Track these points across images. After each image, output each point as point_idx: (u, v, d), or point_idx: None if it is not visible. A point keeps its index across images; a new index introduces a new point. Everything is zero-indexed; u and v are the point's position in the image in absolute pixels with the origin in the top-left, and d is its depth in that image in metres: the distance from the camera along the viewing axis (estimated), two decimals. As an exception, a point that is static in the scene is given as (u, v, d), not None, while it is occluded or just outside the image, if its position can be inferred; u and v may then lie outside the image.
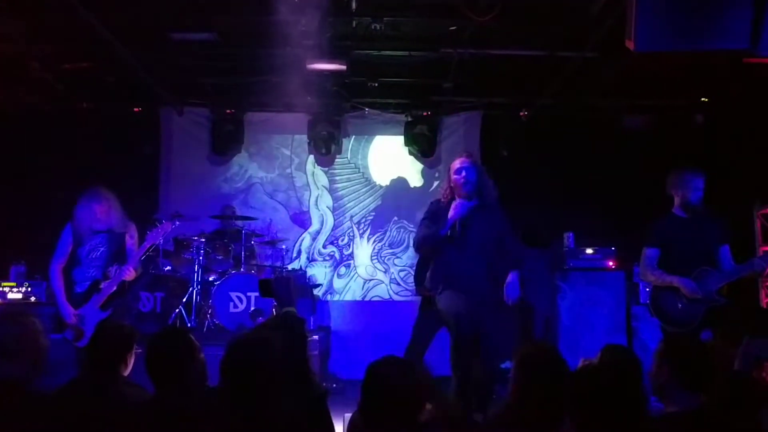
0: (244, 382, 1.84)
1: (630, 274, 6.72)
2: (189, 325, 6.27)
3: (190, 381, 2.45)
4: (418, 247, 4.43)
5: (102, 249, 4.53)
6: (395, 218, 7.85)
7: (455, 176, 4.28)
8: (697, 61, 5.65)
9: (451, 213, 4.18)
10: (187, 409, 1.94)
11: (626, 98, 7.12)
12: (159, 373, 2.47)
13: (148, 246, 4.65)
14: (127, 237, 4.62)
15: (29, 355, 2.41)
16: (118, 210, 4.62)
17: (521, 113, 7.49)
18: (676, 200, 4.39)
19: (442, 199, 4.36)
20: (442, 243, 4.21)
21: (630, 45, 3.63)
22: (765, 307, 6.79)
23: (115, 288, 4.45)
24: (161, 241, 4.61)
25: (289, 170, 7.91)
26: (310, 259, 7.74)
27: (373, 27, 5.61)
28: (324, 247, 7.84)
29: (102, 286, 4.46)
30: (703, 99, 7.03)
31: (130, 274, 4.47)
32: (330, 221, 7.87)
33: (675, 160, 5.70)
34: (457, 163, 4.35)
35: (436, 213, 4.31)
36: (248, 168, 7.88)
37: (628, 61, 5.48)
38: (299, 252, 7.77)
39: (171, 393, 2.30)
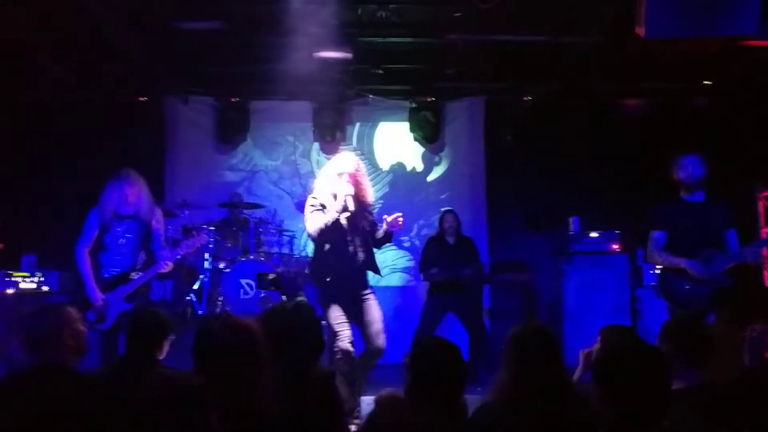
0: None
1: (634, 257, 6.79)
2: (200, 312, 6.33)
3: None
4: (319, 234, 4.37)
5: (129, 236, 4.51)
6: (403, 205, 7.84)
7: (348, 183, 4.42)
8: (700, 44, 5.67)
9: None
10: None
11: (629, 82, 7.13)
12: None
13: (182, 254, 4.67)
14: (153, 222, 4.61)
15: (69, 341, 2.54)
16: (147, 195, 4.59)
17: (525, 98, 7.51)
18: (681, 184, 4.46)
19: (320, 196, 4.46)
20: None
21: (640, 32, 3.66)
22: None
23: (144, 282, 4.47)
24: (192, 251, 4.65)
25: (293, 157, 7.90)
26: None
27: (378, 14, 5.63)
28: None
29: (132, 277, 4.46)
30: (705, 82, 7.06)
31: (168, 267, 4.51)
32: (336, 209, 7.84)
33: (677, 143, 5.76)
34: (352, 169, 4.49)
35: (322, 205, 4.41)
36: (253, 156, 7.87)
37: (631, 46, 5.51)
38: (307, 241, 7.75)
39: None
